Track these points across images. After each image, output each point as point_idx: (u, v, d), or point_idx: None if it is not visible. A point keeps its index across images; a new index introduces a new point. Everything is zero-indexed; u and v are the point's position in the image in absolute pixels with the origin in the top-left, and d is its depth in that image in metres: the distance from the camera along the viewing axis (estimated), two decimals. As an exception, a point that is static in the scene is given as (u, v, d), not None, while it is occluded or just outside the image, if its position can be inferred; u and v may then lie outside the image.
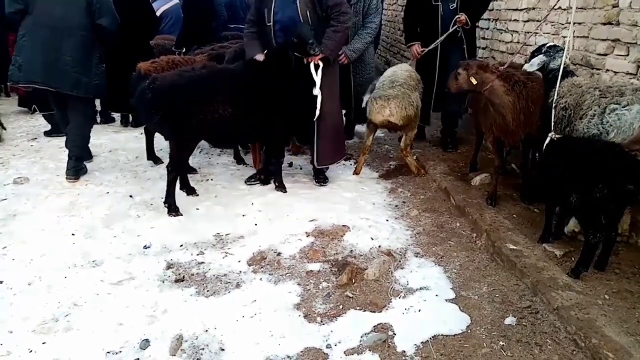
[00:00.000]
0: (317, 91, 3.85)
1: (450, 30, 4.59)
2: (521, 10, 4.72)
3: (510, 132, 3.46)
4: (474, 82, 3.34)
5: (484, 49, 5.53)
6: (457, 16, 4.58)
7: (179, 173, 3.91)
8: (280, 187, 4.17)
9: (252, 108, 3.75)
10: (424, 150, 5.02)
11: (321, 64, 3.81)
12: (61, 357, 2.29)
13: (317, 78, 3.83)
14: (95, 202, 3.94)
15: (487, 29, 5.44)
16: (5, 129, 5.74)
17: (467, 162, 4.53)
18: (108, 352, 2.33)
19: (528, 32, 4.51)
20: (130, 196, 4.09)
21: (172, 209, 3.73)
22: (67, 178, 4.39)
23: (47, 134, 5.82)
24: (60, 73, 4.16)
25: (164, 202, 3.76)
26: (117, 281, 2.90)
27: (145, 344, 2.39)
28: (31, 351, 2.34)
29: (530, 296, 2.68)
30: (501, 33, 5.16)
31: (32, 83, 4.27)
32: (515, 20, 4.86)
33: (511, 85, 3.37)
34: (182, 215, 3.70)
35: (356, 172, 4.56)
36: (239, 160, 4.95)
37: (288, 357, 2.32)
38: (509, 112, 3.38)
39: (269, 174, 4.30)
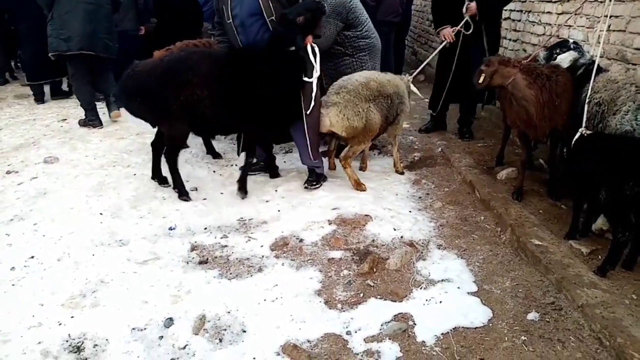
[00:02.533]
0: (315, 77, 3.62)
1: (465, 19, 4.52)
2: (555, 2, 4.61)
3: (534, 126, 3.41)
4: (498, 80, 3.34)
5: (514, 41, 5.42)
6: (467, 3, 4.50)
7: (176, 158, 3.75)
8: (241, 191, 3.80)
9: (232, 94, 3.50)
10: (449, 142, 4.97)
11: (317, 49, 3.62)
12: (88, 331, 2.36)
13: (317, 62, 3.61)
14: (122, 183, 4.03)
15: (519, 20, 5.32)
16: None
17: (494, 155, 4.46)
18: (133, 329, 2.40)
19: (561, 25, 4.40)
20: (157, 179, 4.16)
21: (183, 192, 3.76)
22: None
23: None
24: (98, 40, 5.37)
25: (173, 188, 3.79)
26: (142, 261, 2.97)
27: (169, 322, 2.44)
28: (60, 324, 2.41)
29: (554, 292, 2.64)
30: (533, 25, 5.05)
31: (80, 50, 5.28)
32: (548, 12, 4.74)
33: (533, 78, 3.32)
34: (191, 200, 3.73)
35: (330, 168, 4.28)
36: (215, 155, 4.72)
37: (308, 341, 2.34)
38: (532, 105, 3.32)
39: (274, 168, 4.22)
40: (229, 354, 2.25)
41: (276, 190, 3.92)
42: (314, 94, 3.66)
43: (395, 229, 3.31)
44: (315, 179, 3.98)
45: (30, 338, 2.31)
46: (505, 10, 5.29)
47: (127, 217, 3.49)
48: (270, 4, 3.56)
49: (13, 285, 2.71)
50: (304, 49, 3.57)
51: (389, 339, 2.35)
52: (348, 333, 2.40)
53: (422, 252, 3.07)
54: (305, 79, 3.63)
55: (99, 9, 5.35)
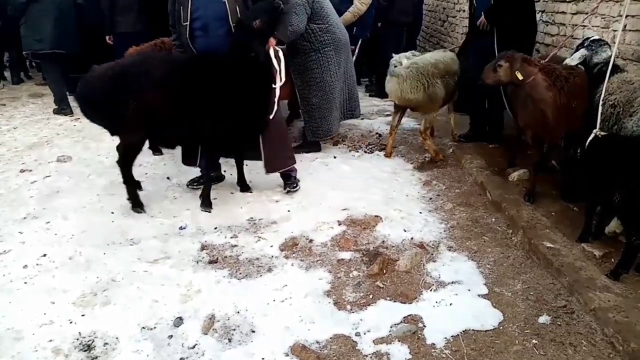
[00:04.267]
0: (279, 81, 3.46)
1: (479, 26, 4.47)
2: (569, 2, 4.55)
3: (551, 130, 3.36)
4: (520, 76, 3.25)
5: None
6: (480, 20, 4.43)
7: (129, 168, 3.60)
8: (205, 205, 3.59)
9: (189, 104, 3.32)
10: (460, 143, 4.93)
11: (281, 53, 3.47)
12: (99, 330, 2.38)
13: (281, 66, 3.43)
14: (134, 183, 4.05)
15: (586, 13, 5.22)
16: None
17: (505, 157, 4.42)
18: (143, 328, 2.41)
19: (576, 25, 4.34)
20: (168, 178, 4.19)
21: (136, 204, 3.56)
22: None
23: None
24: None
25: (127, 199, 3.58)
26: (153, 260, 2.98)
27: (178, 321, 2.45)
28: (71, 322, 2.43)
29: (566, 296, 2.61)
30: (547, 25, 4.99)
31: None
32: (562, 12, 4.69)
33: (553, 80, 3.27)
34: (145, 212, 3.56)
35: (387, 155, 4.66)
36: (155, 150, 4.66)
37: (317, 342, 2.34)
38: (550, 108, 3.28)
39: (244, 181, 3.96)
40: (238, 354, 2.25)
41: (287, 193, 3.90)
42: (276, 99, 3.53)
43: (405, 230, 3.30)
44: (293, 181, 3.90)
45: (41, 335, 2.33)
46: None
47: (139, 216, 3.51)
48: (238, 9, 3.41)
49: (25, 283, 2.74)
50: (264, 55, 3.38)
51: (399, 340, 2.33)
52: (357, 334, 2.39)
53: (432, 254, 3.05)
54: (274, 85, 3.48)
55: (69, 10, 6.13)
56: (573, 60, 3.32)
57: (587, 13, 4.16)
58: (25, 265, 2.89)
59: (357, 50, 6.28)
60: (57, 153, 4.79)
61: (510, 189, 3.80)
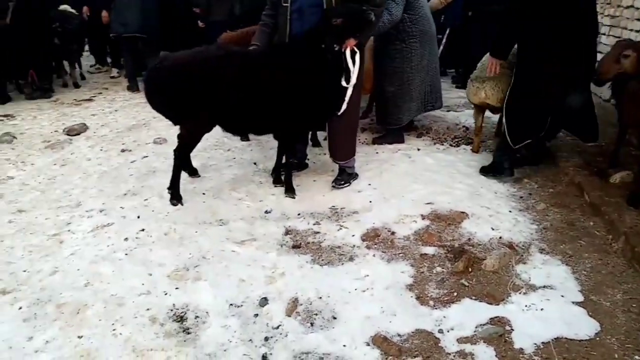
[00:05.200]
0: (351, 82, 3.42)
1: None
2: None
3: None
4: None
5: (638, 31, 4.91)
6: None
7: (184, 157, 3.71)
8: (289, 192, 3.70)
9: (266, 96, 3.35)
10: (555, 139, 4.63)
11: (357, 51, 3.39)
12: (191, 302, 2.52)
13: (355, 67, 3.38)
14: (223, 166, 4.24)
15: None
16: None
17: (606, 156, 4.10)
18: (231, 305, 2.52)
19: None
20: (254, 163, 4.33)
21: (175, 196, 3.56)
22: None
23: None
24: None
25: (168, 188, 3.59)
26: (240, 241, 3.10)
27: (264, 301, 2.54)
28: (166, 294, 2.60)
29: (674, 311, 2.39)
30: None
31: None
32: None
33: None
34: (182, 204, 3.56)
35: (474, 150, 4.55)
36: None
37: (399, 335, 2.32)
38: None
39: (279, 173, 3.91)
40: (319, 339, 2.29)
41: (369, 184, 3.89)
42: (347, 98, 3.48)
43: (493, 229, 3.17)
44: (344, 179, 3.87)
45: (140, 304, 2.51)
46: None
47: (227, 198, 3.66)
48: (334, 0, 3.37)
49: (126, 254, 2.95)
50: (332, 52, 3.33)
51: (484, 342, 2.26)
52: (440, 331, 2.34)
53: (522, 255, 2.91)
54: (343, 83, 3.43)
55: None
56: None
57: None
58: (126, 238, 3.11)
59: (444, 40, 6.08)
60: (154, 135, 5.11)
61: (611, 191, 3.52)
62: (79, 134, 5.25)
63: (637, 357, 2.13)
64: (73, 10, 7.23)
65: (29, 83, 6.85)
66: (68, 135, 5.21)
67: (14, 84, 7.12)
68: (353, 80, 3.41)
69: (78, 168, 4.34)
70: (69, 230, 3.24)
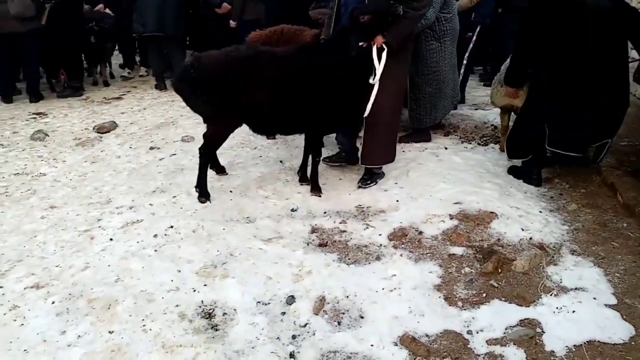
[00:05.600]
0: (375, 80, 3.35)
1: None
2: None
3: None
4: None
5: None
6: None
7: (211, 157, 3.79)
8: (315, 190, 3.71)
9: (296, 97, 3.39)
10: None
11: (385, 49, 3.33)
12: (219, 299, 2.55)
13: (379, 65, 3.32)
14: (249, 164, 4.27)
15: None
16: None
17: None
18: (259, 302, 2.54)
19: None
20: (281, 161, 4.35)
21: (203, 193, 3.60)
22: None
23: None
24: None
25: (195, 187, 3.64)
26: (267, 238, 3.12)
27: (291, 299, 2.55)
28: (194, 290, 2.63)
29: None
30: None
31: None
32: None
33: None
34: (210, 202, 3.59)
35: (502, 149, 4.43)
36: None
37: (427, 335, 2.30)
38: None
39: (305, 171, 3.90)
40: (347, 338, 2.29)
41: (396, 183, 3.86)
42: (372, 97, 3.42)
43: (523, 229, 3.11)
44: (370, 178, 3.83)
45: (169, 300, 2.55)
46: None
47: (254, 195, 3.69)
48: None
49: (155, 251, 3.00)
50: (357, 50, 3.30)
51: (514, 344, 2.22)
52: (469, 332, 2.31)
53: (553, 257, 2.85)
54: (371, 81, 3.39)
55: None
56: None
57: None
58: (156, 235, 3.16)
59: (474, 38, 5.99)
60: (182, 133, 5.18)
61: (647, 192, 3.42)
62: (108, 132, 5.36)
63: (675, 363, 2.06)
64: (108, 11, 7.42)
65: (60, 82, 7.06)
66: (98, 132, 5.32)
67: (47, 83, 7.33)
68: (375, 78, 3.37)
69: (108, 165, 4.43)
70: (99, 227, 3.31)
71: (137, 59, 9.14)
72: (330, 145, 4.47)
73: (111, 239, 3.13)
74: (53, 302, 2.54)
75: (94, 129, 5.42)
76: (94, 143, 5.00)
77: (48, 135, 5.23)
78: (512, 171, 3.95)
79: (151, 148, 4.84)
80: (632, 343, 2.20)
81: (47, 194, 3.84)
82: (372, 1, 3.37)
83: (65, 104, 6.60)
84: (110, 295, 2.58)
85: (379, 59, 3.35)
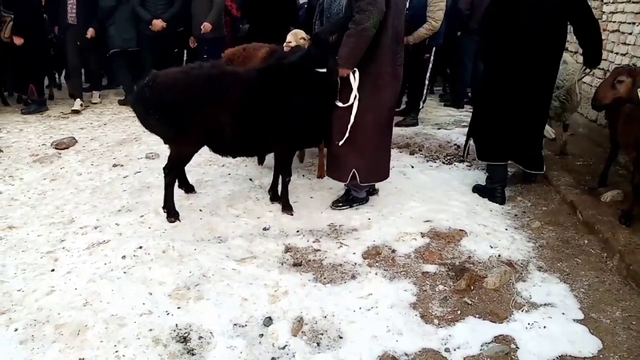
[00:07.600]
0: (355, 102, 3.34)
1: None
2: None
3: None
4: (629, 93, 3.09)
5: (623, 55, 5.08)
6: None
7: (177, 176, 3.69)
8: (287, 209, 3.68)
9: (257, 119, 3.36)
10: (545, 159, 4.73)
11: (357, 73, 3.30)
12: (194, 322, 2.48)
13: (354, 83, 3.31)
14: (218, 182, 4.21)
15: (630, 33, 4.99)
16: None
17: (595, 175, 4.21)
18: (235, 324, 2.48)
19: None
20: (250, 179, 4.31)
21: (171, 213, 3.52)
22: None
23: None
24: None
25: (163, 207, 3.56)
26: (240, 258, 3.07)
27: (268, 321, 2.51)
28: (168, 313, 2.55)
29: (673, 329, 2.44)
30: None
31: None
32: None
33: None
34: (180, 221, 3.52)
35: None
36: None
37: (406, 354, 2.32)
38: None
39: (276, 190, 3.87)
40: (327, 359, 2.28)
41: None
42: (351, 120, 3.38)
43: (491, 247, 3.21)
44: (342, 201, 3.79)
45: (142, 324, 2.45)
46: (614, 22, 5.00)
47: (225, 214, 3.64)
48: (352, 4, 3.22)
49: (125, 272, 2.88)
50: (337, 74, 3.27)
51: (491, 360, 2.28)
52: (447, 350, 2.35)
53: (521, 273, 2.95)
54: (338, 103, 3.40)
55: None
56: None
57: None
58: (124, 256, 3.05)
59: (432, 58, 6.19)
60: (146, 150, 5.05)
61: (603, 210, 3.60)
62: (67, 148, 5.17)
63: (641, 375, 2.16)
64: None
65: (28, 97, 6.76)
66: (57, 149, 5.12)
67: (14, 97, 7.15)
68: (355, 99, 3.36)
69: (69, 183, 4.26)
70: (63, 248, 3.17)
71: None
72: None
73: (77, 261, 3.00)
74: (16, 329, 2.40)
75: (52, 144, 5.21)
76: (53, 160, 4.81)
77: (2, 151, 4.98)
78: (477, 189, 4.08)
79: (114, 165, 4.69)
80: (601, 356, 2.30)
81: (4, 214, 3.65)
82: (333, 22, 3.43)
83: (20, 118, 6.33)
84: (79, 320, 2.45)
85: (354, 79, 3.35)
